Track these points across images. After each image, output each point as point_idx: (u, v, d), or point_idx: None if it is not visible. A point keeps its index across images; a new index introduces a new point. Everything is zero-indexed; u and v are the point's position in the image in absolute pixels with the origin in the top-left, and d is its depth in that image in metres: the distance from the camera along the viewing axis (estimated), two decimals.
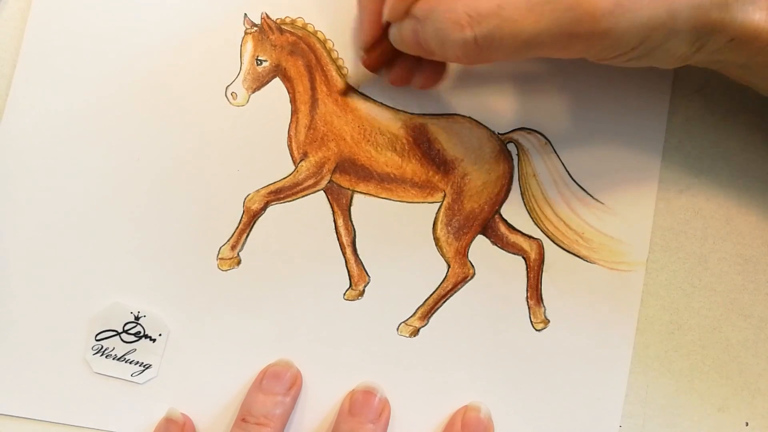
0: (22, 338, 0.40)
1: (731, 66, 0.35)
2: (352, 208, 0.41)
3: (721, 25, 0.31)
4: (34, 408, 0.40)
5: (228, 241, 0.41)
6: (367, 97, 0.41)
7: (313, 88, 0.41)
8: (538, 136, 0.41)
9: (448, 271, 0.41)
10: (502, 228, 0.41)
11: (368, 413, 0.39)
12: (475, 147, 0.41)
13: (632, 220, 0.41)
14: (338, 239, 0.41)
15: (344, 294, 0.41)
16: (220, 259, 0.41)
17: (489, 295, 0.41)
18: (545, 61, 0.41)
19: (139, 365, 0.40)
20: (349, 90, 0.41)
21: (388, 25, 0.36)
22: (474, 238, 0.41)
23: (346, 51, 0.41)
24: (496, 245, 0.41)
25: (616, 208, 0.41)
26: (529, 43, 0.30)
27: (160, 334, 0.40)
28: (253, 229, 0.41)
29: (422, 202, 0.41)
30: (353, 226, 0.41)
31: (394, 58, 0.38)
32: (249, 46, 0.41)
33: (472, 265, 0.41)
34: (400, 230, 0.41)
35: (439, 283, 0.41)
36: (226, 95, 0.41)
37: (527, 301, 0.41)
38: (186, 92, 0.41)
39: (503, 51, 0.31)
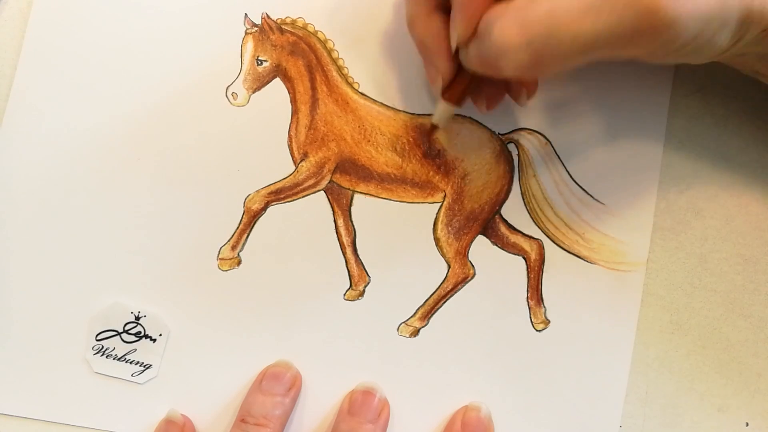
0: (22, 338, 0.40)
1: (752, 57, 0.35)
2: (352, 208, 0.41)
3: (760, 15, 0.31)
4: (34, 408, 0.40)
5: (228, 241, 0.41)
6: (367, 97, 0.41)
7: (313, 89, 0.41)
8: (539, 136, 0.41)
9: (448, 271, 0.41)
10: (503, 228, 0.41)
11: (367, 413, 0.39)
12: (476, 147, 0.41)
13: (632, 220, 0.41)
14: (338, 239, 0.41)
15: (344, 294, 0.41)
16: (221, 259, 0.41)
17: (489, 296, 0.41)
18: None
19: (140, 365, 0.40)
20: (352, 91, 0.41)
21: (457, 54, 0.35)
22: (474, 238, 0.41)
23: (346, 51, 0.41)
24: (496, 245, 0.41)
25: (616, 209, 0.41)
26: (586, 45, 0.30)
27: (160, 334, 0.40)
28: (253, 230, 0.41)
29: (422, 203, 0.41)
30: (353, 226, 0.41)
31: (477, 86, 0.37)
32: (249, 46, 0.41)
33: (473, 266, 0.41)
34: (401, 230, 0.41)
35: (439, 284, 0.41)
36: (226, 95, 0.41)
37: (527, 302, 0.41)
38: (186, 92, 0.41)
39: (560, 56, 0.31)
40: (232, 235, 0.41)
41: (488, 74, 0.34)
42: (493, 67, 0.33)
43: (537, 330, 0.41)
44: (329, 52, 0.41)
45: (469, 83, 0.36)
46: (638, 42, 0.31)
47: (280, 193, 0.41)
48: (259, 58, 0.41)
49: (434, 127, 0.40)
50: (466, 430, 0.39)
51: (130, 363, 0.40)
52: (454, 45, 0.35)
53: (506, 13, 0.31)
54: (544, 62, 0.31)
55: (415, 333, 0.41)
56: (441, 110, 0.38)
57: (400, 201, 0.41)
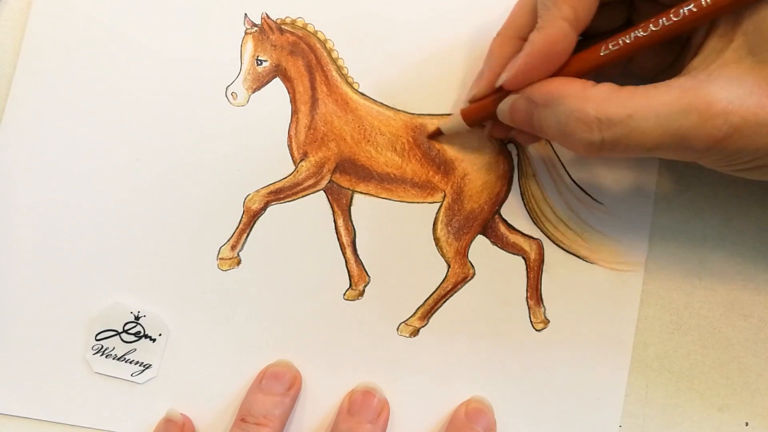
0: (22, 338, 0.40)
1: None
2: (352, 208, 0.41)
3: None
4: (34, 408, 0.40)
5: (228, 241, 0.41)
6: (367, 97, 0.41)
7: (313, 88, 0.41)
8: None
9: (448, 271, 0.41)
10: (502, 228, 0.41)
11: (367, 413, 0.39)
12: (476, 147, 0.41)
13: (631, 220, 0.41)
14: (338, 239, 0.41)
15: (344, 294, 0.41)
16: (220, 259, 0.41)
17: (489, 295, 0.41)
18: None
19: (139, 365, 0.40)
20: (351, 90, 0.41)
21: (500, 88, 0.36)
22: (474, 238, 0.41)
23: (346, 51, 0.41)
24: (496, 245, 0.41)
25: (615, 209, 0.41)
26: (650, 151, 0.32)
27: (160, 334, 0.40)
28: (253, 229, 0.41)
29: (422, 202, 0.41)
30: (353, 226, 0.41)
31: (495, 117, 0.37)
32: (249, 46, 0.41)
33: (472, 266, 0.41)
34: (400, 230, 0.41)
35: (439, 283, 0.41)
36: (226, 95, 0.41)
37: (527, 301, 0.41)
38: (186, 92, 0.41)
39: (624, 154, 0.32)
40: (232, 235, 0.41)
41: (521, 129, 0.35)
42: (541, 132, 0.34)
43: (537, 330, 0.41)
44: (329, 52, 0.41)
45: (489, 117, 0.37)
46: (694, 157, 0.32)
47: (279, 193, 0.41)
48: (259, 58, 0.41)
49: (438, 132, 0.40)
50: (471, 419, 0.39)
51: (130, 363, 0.40)
52: (500, 82, 0.35)
53: (587, 99, 0.32)
54: (604, 154, 0.33)
55: (415, 333, 0.41)
56: (453, 122, 0.39)
57: (400, 201, 0.41)
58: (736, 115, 0.29)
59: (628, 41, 0.33)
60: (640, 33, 0.32)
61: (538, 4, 0.34)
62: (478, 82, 0.37)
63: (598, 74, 0.34)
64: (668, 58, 0.36)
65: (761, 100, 0.29)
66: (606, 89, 0.32)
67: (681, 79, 0.31)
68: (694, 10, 0.31)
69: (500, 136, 0.40)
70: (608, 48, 0.33)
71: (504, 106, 0.36)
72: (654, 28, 0.32)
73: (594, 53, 0.33)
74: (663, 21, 0.32)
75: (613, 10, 0.36)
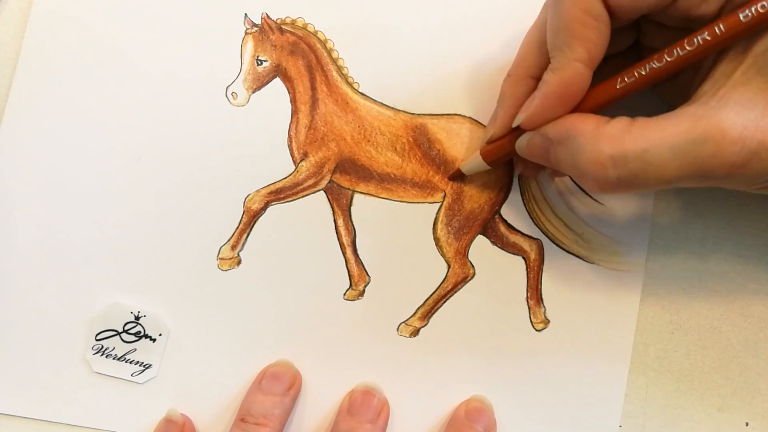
0: (22, 338, 0.40)
1: None
2: (352, 208, 0.41)
3: None
4: (34, 408, 0.40)
5: (228, 241, 0.41)
6: (367, 97, 0.41)
7: (313, 88, 0.41)
8: None
9: (448, 271, 0.41)
10: (502, 228, 0.41)
11: (367, 413, 0.39)
12: (476, 147, 0.41)
13: (631, 220, 0.41)
14: (338, 239, 0.41)
15: (344, 294, 0.41)
16: (221, 259, 0.41)
17: (489, 296, 0.41)
18: None
19: (139, 365, 0.40)
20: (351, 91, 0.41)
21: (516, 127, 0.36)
22: (474, 238, 0.41)
23: (346, 51, 0.41)
24: (496, 245, 0.41)
25: (614, 209, 0.41)
26: (669, 182, 0.31)
27: (160, 334, 0.40)
28: (253, 229, 0.41)
29: (422, 202, 0.41)
30: (353, 226, 0.41)
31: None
32: (249, 46, 0.41)
33: (472, 266, 0.41)
34: (401, 230, 0.41)
35: (439, 284, 0.41)
36: (226, 95, 0.41)
37: (527, 302, 0.41)
38: (186, 92, 0.41)
39: (643, 189, 0.32)
40: (232, 235, 0.41)
41: (538, 163, 0.35)
42: (557, 168, 0.34)
43: (537, 330, 0.41)
44: (329, 52, 0.41)
45: (508, 155, 0.37)
46: (713, 183, 0.32)
47: (280, 193, 0.41)
48: (259, 58, 0.41)
49: (460, 174, 0.40)
50: (470, 418, 0.39)
51: (130, 363, 0.40)
52: (516, 122, 0.35)
53: (600, 137, 0.31)
54: (620, 191, 0.32)
55: (415, 333, 0.41)
56: (474, 162, 0.39)
57: (400, 201, 0.41)
58: (752, 140, 0.29)
59: (643, 73, 0.32)
60: (655, 64, 0.32)
61: (549, 45, 0.34)
62: (494, 123, 0.37)
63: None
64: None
65: None
66: (619, 125, 0.31)
67: (692, 107, 0.31)
68: (708, 38, 0.31)
69: (531, 175, 0.40)
70: (624, 81, 0.33)
71: (521, 144, 0.35)
72: (669, 59, 0.32)
73: (610, 87, 0.33)
74: (678, 51, 0.31)
75: (621, 33, 0.36)
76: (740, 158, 0.30)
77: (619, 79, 0.33)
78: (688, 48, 0.31)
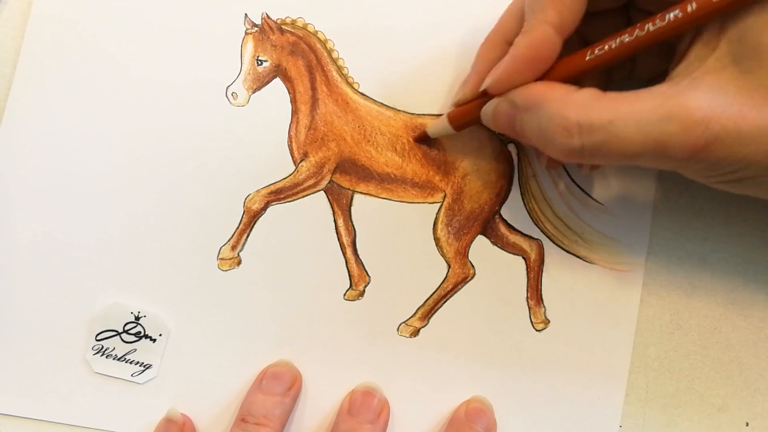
0: (23, 338, 0.40)
1: None
2: (352, 208, 0.41)
3: None
4: (34, 408, 0.40)
5: (228, 241, 0.41)
6: (367, 97, 0.41)
7: (313, 89, 0.41)
8: None
9: (448, 271, 0.41)
10: (503, 228, 0.41)
11: (367, 413, 0.39)
12: (476, 147, 0.41)
13: (631, 220, 0.41)
14: (338, 239, 0.41)
15: (344, 294, 0.41)
16: (221, 259, 0.41)
17: (489, 296, 0.41)
18: None
19: (140, 365, 0.40)
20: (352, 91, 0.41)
21: (485, 92, 0.35)
22: (474, 238, 0.41)
23: (346, 51, 0.41)
24: (496, 245, 0.41)
25: (615, 209, 0.41)
26: (631, 158, 0.31)
27: (160, 334, 0.40)
28: (253, 230, 0.41)
29: (423, 203, 0.41)
30: (353, 226, 0.41)
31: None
32: (249, 46, 0.41)
33: (473, 266, 0.41)
34: (401, 230, 0.41)
35: (439, 284, 0.41)
36: (226, 95, 0.41)
37: (527, 302, 0.41)
38: (186, 92, 0.41)
39: (605, 160, 0.32)
40: (232, 235, 0.41)
41: (502, 132, 0.35)
42: (522, 137, 0.34)
43: (537, 330, 0.41)
44: (329, 52, 0.41)
45: (475, 121, 0.37)
46: (674, 166, 0.32)
47: (280, 193, 0.41)
48: (259, 58, 0.41)
49: (425, 135, 0.40)
50: (470, 419, 0.39)
51: (130, 363, 0.40)
52: (483, 86, 0.35)
53: (569, 103, 0.31)
54: (584, 160, 0.32)
55: (415, 333, 0.41)
56: (439, 125, 0.39)
57: (400, 201, 0.41)
58: (717, 124, 0.29)
59: (614, 46, 0.32)
60: (626, 38, 0.32)
61: (525, 8, 0.34)
62: (464, 86, 0.37)
63: (603, 82, 0.34)
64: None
65: (742, 110, 0.29)
66: (588, 94, 0.31)
67: (664, 86, 0.31)
68: (680, 15, 0.31)
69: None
70: (594, 53, 0.33)
71: (487, 110, 0.35)
72: (640, 33, 0.32)
73: (579, 58, 0.33)
74: (649, 26, 0.31)
75: (610, 19, 0.36)
76: (702, 140, 0.29)
77: (589, 51, 0.33)
78: (659, 23, 0.31)
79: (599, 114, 0.31)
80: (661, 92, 0.30)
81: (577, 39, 0.36)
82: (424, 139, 0.41)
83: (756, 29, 0.29)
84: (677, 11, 0.31)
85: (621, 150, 0.31)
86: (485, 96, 0.36)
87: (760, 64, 0.29)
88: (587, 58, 0.33)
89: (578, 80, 0.33)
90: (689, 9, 0.30)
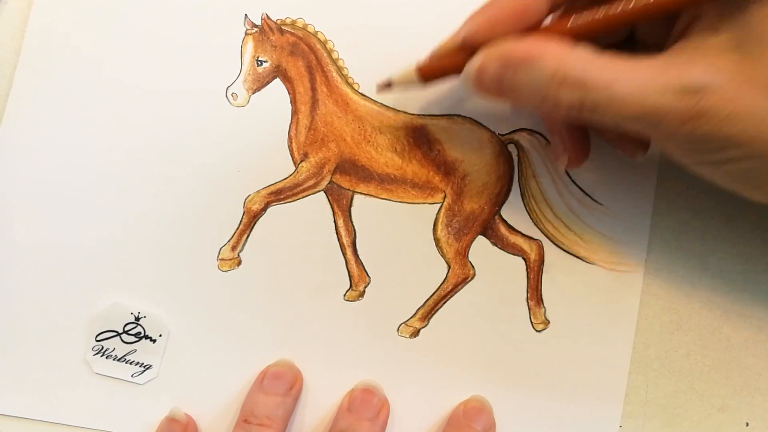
0: (22, 338, 0.40)
1: None
2: (352, 208, 0.41)
3: None
4: (34, 408, 0.40)
5: (228, 241, 0.41)
6: (367, 97, 0.41)
7: (313, 89, 0.41)
8: (539, 137, 0.41)
9: (448, 271, 0.41)
10: (503, 229, 0.41)
11: (366, 411, 0.39)
12: (476, 148, 0.41)
13: (631, 221, 0.41)
14: (338, 240, 0.41)
15: (344, 294, 0.41)
16: (221, 259, 0.41)
17: (489, 296, 0.41)
18: None
19: (140, 366, 0.40)
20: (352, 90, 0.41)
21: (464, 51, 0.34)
22: (474, 238, 0.41)
23: (346, 51, 0.41)
24: (496, 246, 0.41)
25: (614, 209, 0.41)
26: (623, 122, 0.31)
27: (160, 335, 0.40)
28: (253, 230, 0.41)
29: (422, 203, 0.41)
30: (353, 226, 0.41)
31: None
32: (249, 46, 0.41)
33: (473, 266, 0.41)
34: (401, 231, 0.41)
35: (439, 284, 0.41)
36: (226, 96, 0.41)
37: (527, 302, 0.41)
38: (186, 93, 0.41)
39: (601, 120, 0.32)
40: (232, 236, 0.41)
41: (485, 93, 0.34)
42: (512, 96, 0.33)
43: (537, 330, 0.41)
44: (329, 52, 0.41)
45: (446, 76, 0.36)
46: (671, 140, 0.32)
47: (280, 194, 0.41)
48: (259, 58, 0.41)
49: (388, 84, 0.38)
50: (469, 418, 0.39)
51: (130, 363, 0.40)
52: (461, 34, 0.34)
53: (567, 60, 0.31)
54: (581, 119, 0.32)
55: (415, 333, 0.41)
56: (406, 74, 0.37)
57: (400, 201, 0.41)
58: (709, 100, 0.29)
59: (597, 17, 0.32)
60: (611, 11, 0.32)
61: None
62: (446, 39, 0.36)
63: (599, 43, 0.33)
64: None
65: (738, 92, 0.29)
66: (587, 53, 0.31)
67: (663, 56, 0.31)
68: None
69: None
70: (576, 22, 0.32)
71: (471, 67, 0.34)
72: (625, 7, 0.31)
73: (561, 25, 0.33)
74: (635, 1, 0.31)
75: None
76: (695, 111, 0.30)
77: (571, 19, 0.33)
78: None
79: (601, 74, 0.31)
80: (662, 62, 0.31)
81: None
82: (385, 88, 0.39)
83: (762, 16, 0.30)
84: None
85: (617, 112, 0.31)
86: (463, 52, 0.34)
87: (762, 51, 0.30)
88: (569, 25, 0.33)
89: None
90: None
